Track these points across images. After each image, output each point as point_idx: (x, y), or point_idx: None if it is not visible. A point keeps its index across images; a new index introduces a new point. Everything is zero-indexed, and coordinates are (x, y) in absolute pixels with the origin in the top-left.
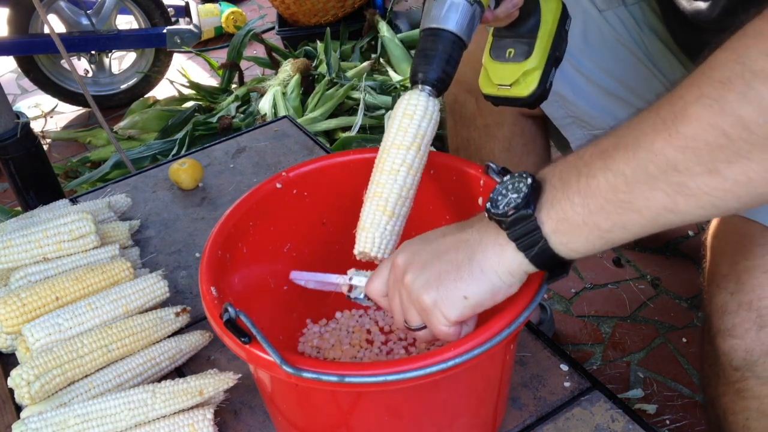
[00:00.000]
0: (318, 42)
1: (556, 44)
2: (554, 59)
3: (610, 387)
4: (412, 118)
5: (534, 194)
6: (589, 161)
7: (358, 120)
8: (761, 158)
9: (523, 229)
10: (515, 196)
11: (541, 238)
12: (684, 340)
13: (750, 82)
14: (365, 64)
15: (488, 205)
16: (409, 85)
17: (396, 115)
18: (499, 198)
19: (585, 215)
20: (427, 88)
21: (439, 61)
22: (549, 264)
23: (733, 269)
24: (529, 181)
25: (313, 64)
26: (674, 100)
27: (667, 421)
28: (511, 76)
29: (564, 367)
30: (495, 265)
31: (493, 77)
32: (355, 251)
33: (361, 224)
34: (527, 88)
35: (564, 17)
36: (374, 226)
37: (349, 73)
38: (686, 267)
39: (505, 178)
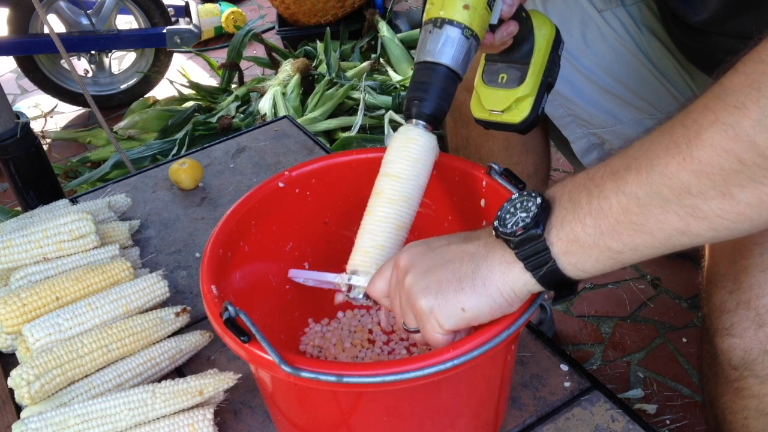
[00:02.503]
0: (318, 42)
1: (549, 70)
2: (547, 85)
3: (610, 387)
4: (409, 152)
5: (543, 214)
6: (600, 182)
7: (358, 120)
8: None
9: (531, 249)
10: (524, 215)
11: (550, 258)
12: (684, 340)
13: (765, 109)
14: (365, 64)
15: (496, 223)
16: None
17: (393, 147)
18: (507, 216)
19: (596, 236)
20: (422, 123)
21: (433, 97)
22: (557, 284)
23: (732, 268)
24: (539, 200)
25: (313, 64)
26: (687, 123)
27: (667, 421)
28: (503, 103)
29: (564, 367)
30: (499, 282)
31: (484, 102)
32: (348, 269)
33: (356, 247)
34: (519, 114)
35: (557, 43)
36: (371, 252)
37: (349, 73)
38: (686, 267)
39: (513, 196)
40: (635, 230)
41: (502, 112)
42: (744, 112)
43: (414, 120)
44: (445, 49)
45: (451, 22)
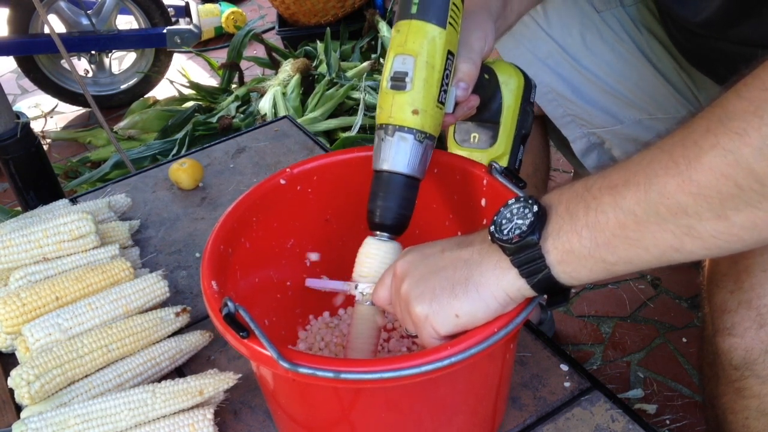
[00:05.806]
0: (318, 42)
1: (522, 123)
2: (521, 138)
3: (610, 387)
4: (376, 265)
5: (539, 222)
6: (598, 195)
7: (358, 120)
8: None
9: (527, 256)
10: (521, 222)
11: (545, 266)
12: (684, 340)
13: (766, 138)
14: (365, 64)
15: (492, 228)
16: None
17: (360, 261)
18: (504, 222)
19: (591, 248)
20: (386, 235)
21: (394, 206)
22: (550, 290)
23: (733, 268)
24: (535, 208)
25: (313, 64)
26: (688, 143)
27: (667, 421)
28: None
29: (564, 367)
30: (493, 288)
31: None
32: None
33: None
34: None
35: (527, 91)
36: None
37: (349, 73)
38: (686, 267)
39: (510, 201)
40: (630, 245)
41: None
42: (745, 139)
43: (378, 233)
44: (399, 157)
45: (401, 129)
